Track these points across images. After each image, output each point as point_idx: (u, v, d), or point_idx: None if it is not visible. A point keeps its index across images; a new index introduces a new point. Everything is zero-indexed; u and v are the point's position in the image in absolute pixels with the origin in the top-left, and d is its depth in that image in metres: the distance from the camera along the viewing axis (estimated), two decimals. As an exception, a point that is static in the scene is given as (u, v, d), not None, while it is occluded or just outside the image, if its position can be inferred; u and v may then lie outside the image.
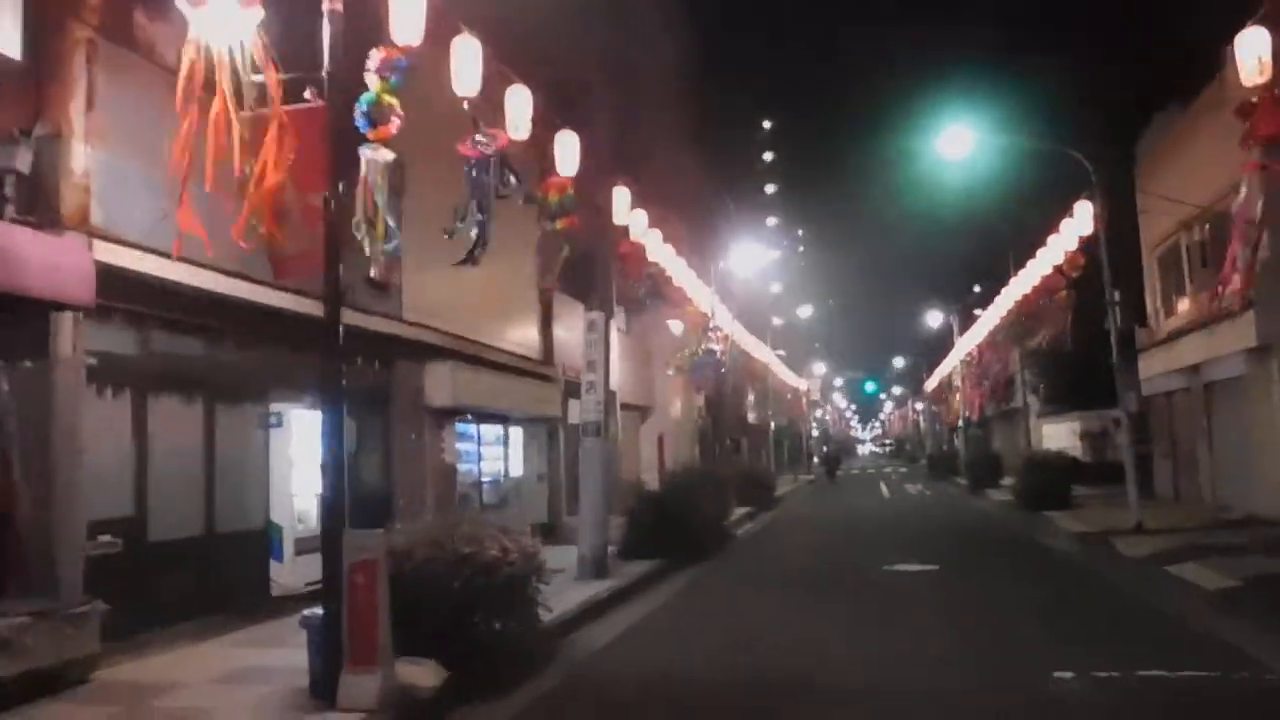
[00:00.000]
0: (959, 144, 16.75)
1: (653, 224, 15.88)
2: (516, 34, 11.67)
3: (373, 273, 11.98)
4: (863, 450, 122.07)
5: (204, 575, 8.95)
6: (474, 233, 9.12)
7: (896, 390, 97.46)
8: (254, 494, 9.76)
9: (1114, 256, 16.49)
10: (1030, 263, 20.12)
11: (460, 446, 14.24)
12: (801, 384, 52.58)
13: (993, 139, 18.16)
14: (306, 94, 6.77)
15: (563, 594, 10.64)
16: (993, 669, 7.15)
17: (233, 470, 9.42)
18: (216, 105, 6.27)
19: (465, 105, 8.57)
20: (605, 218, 13.06)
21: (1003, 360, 29.91)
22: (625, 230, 14.36)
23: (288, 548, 9.99)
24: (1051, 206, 18.57)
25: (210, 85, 6.22)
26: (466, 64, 8.55)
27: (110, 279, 7.61)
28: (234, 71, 6.30)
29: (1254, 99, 8.19)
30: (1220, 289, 11.82)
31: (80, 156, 7.52)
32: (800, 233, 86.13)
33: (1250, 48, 8.16)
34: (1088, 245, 16.37)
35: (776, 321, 48.55)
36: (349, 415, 11.68)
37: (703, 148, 35.78)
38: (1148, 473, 20.96)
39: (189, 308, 8.71)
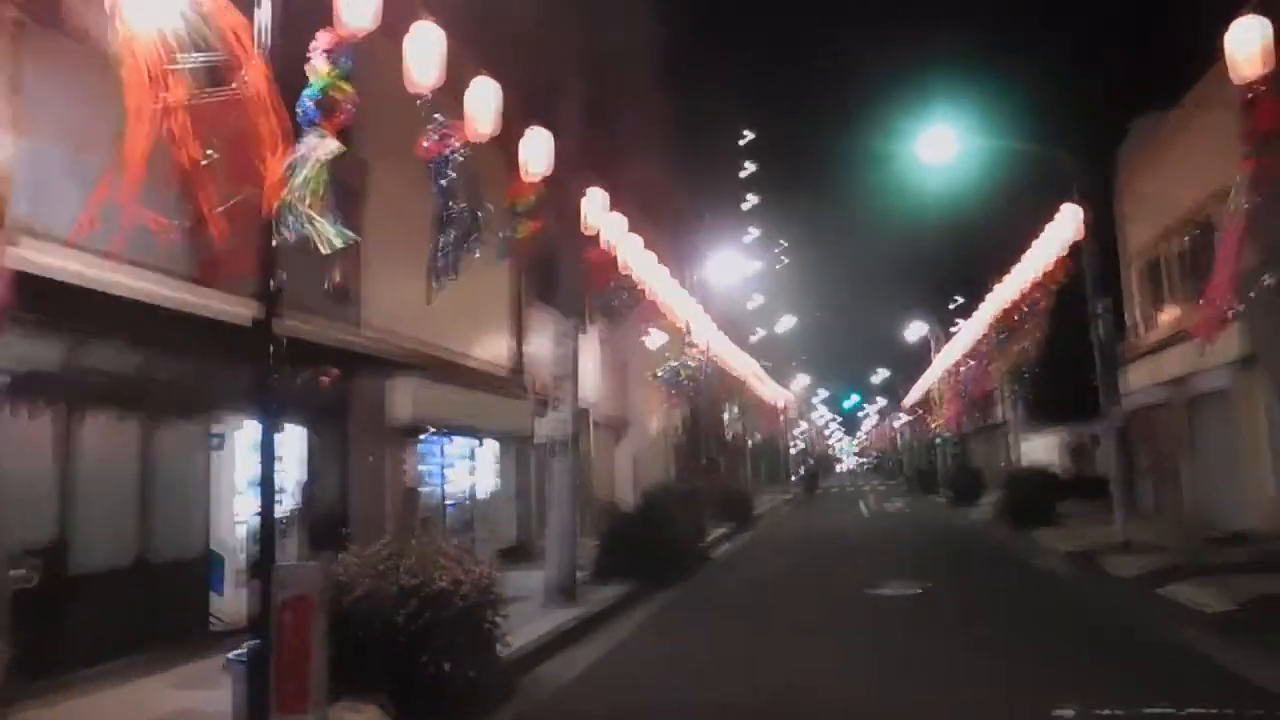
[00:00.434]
0: (940, 147, 16.34)
1: (629, 230, 15.37)
2: (483, 30, 11.17)
3: (328, 282, 11.54)
4: (844, 465, 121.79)
5: (134, 609, 8.26)
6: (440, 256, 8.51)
7: (879, 404, 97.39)
8: (193, 520, 9.10)
9: (1095, 267, 16.12)
10: (1014, 268, 19.74)
11: (424, 465, 13.61)
12: (781, 399, 52.13)
13: (974, 141, 17.77)
14: (239, 78, 6.18)
15: (527, 623, 10.04)
16: (990, 708, 6.61)
17: (169, 495, 8.77)
18: (149, 91, 5.72)
19: (423, 98, 8.03)
20: (575, 222, 12.52)
21: (983, 374, 29.53)
22: (597, 236, 13.84)
23: (229, 579, 9.29)
24: (1033, 215, 18.21)
25: (154, 72, 5.67)
26: (425, 53, 8.03)
27: (32, 282, 7.00)
28: (165, 54, 5.74)
29: (1251, 94, 7.76)
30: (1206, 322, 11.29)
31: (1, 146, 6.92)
32: (781, 244, 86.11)
33: (1245, 38, 7.73)
34: (1073, 253, 15.99)
35: (757, 334, 48.20)
36: (305, 432, 11.17)
37: (680, 157, 35.35)
38: (1129, 488, 20.57)
39: (121, 315, 8.07)
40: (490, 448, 15.92)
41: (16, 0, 7.13)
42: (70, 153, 7.29)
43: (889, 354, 65.63)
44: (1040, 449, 31.67)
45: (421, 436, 13.34)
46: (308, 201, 6.53)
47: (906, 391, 54.49)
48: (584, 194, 12.84)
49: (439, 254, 8.45)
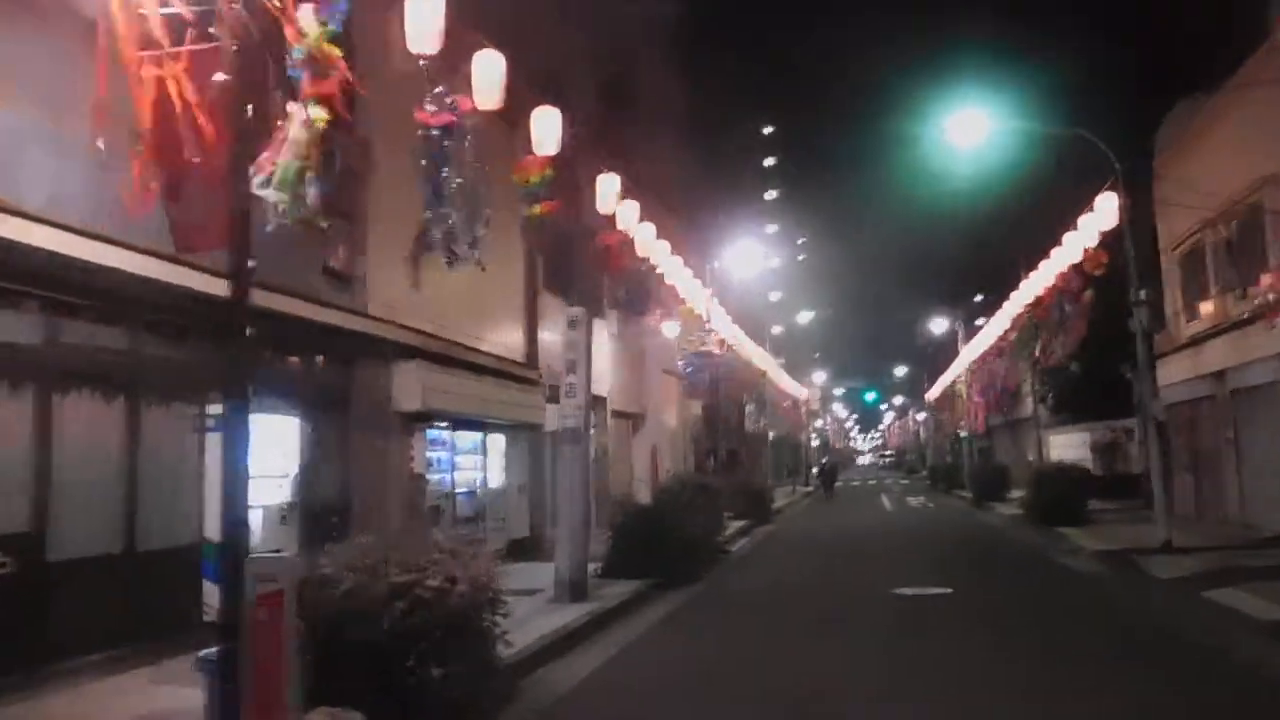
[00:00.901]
0: (969, 130, 15.65)
1: (645, 219, 14.83)
2: (497, 6, 10.67)
3: (331, 261, 11.05)
4: (862, 461, 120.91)
5: (121, 600, 7.80)
6: (436, 228, 8.00)
7: (897, 400, 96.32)
8: (185, 506, 8.62)
9: (1135, 254, 15.41)
10: (1043, 263, 19.02)
11: (431, 455, 13.12)
12: (801, 392, 51.43)
13: (1004, 125, 17.04)
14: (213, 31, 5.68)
15: (534, 620, 9.57)
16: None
17: (159, 479, 8.29)
18: (120, 49, 5.27)
19: (424, 64, 7.55)
20: (589, 206, 11.99)
21: (1010, 368, 28.74)
22: (612, 221, 13.33)
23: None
24: (1063, 206, 17.50)
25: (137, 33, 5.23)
26: (425, 17, 7.53)
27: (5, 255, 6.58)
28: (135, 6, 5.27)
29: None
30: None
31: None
32: (801, 240, 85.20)
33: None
34: (1109, 242, 15.28)
35: (776, 329, 47.51)
36: (304, 419, 10.71)
37: (701, 148, 34.77)
38: (1166, 488, 19.82)
39: (105, 292, 7.63)
40: (502, 437, 15.41)
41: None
42: (43, 121, 6.85)
43: (909, 350, 64.72)
44: (1068, 446, 30.81)
45: (429, 424, 12.87)
46: (293, 175, 6.09)
47: (926, 387, 53.64)
48: (597, 178, 12.32)
49: (437, 231, 7.94)
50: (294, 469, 9.99)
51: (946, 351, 43.10)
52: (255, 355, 5.51)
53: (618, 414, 22.25)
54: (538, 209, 9.60)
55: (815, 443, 65.67)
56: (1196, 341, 18.31)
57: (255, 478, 9.44)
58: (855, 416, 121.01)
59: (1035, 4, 44.23)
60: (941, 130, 16.28)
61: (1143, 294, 14.65)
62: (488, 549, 14.21)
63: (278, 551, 8.49)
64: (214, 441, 8.93)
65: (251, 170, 5.64)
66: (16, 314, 7.20)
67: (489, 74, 8.57)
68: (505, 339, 15.97)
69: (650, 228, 14.61)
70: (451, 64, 8.68)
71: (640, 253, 14.56)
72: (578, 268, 11.38)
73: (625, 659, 8.49)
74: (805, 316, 51.92)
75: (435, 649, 5.80)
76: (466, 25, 8.29)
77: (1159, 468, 14.81)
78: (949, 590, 11.50)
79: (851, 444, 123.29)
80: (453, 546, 6.67)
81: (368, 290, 11.62)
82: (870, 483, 56.01)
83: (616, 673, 7.96)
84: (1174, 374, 19.01)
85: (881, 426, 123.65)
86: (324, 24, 5.94)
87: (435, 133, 7.92)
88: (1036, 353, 22.17)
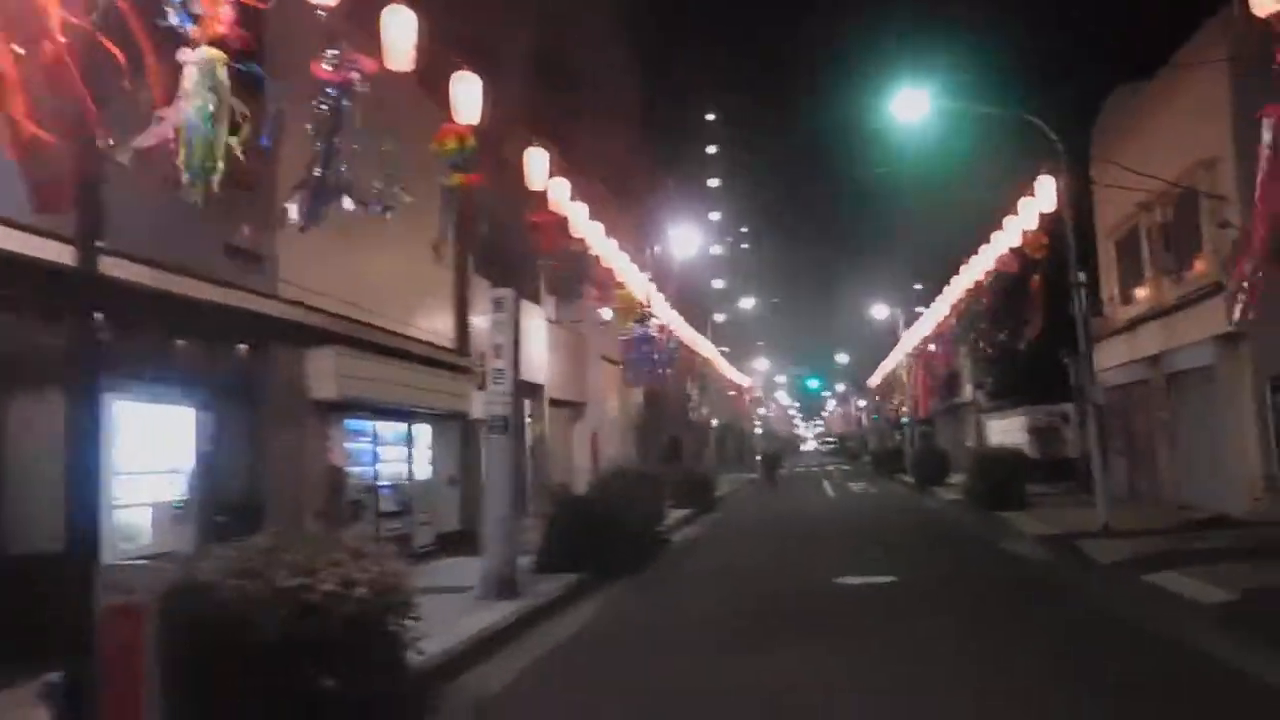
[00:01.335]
0: (913, 108, 15.37)
1: (582, 199, 14.26)
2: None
3: (237, 238, 10.29)
4: (806, 448, 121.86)
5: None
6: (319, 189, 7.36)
7: (840, 387, 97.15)
8: (61, 506, 7.85)
9: (1074, 237, 15.27)
10: (984, 247, 18.87)
11: (352, 446, 12.43)
12: (745, 380, 51.35)
13: (949, 105, 16.82)
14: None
15: (459, 620, 9.00)
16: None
17: (28, 476, 7.51)
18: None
19: (322, 12, 6.89)
20: (516, 180, 11.38)
21: (950, 354, 28.81)
22: (543, 199, 12.73)
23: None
24: (1012, 191, 17.33)
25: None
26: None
27: None
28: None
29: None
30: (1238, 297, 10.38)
31: None
32: (744, 230, 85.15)
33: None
34: (1050, 225, 15.11)
35: (719, 318, 47.31)
36: (203, 409, 9.97)
37: (644, 132, 34.27)
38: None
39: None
40: (430, 427, 14.75)
41: None
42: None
43: (852, 337, 65.08)
44: (1006, 430, 31.05)
45: (350, 414, 12.19)
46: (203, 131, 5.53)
47: (869, 374, 53.96)
48: (526, 150, 11.70)
49: (310, 191, 7.28)
50: (191, 463, 9.25)
51: (888, 338, 43.27)
52: (93, 332, 4.79)
53: (556, 402, 21.68)
54: (457, 179, 8.99)
55: (759, 430, 65.78)
56: (1132, 326, 18.35)
57: (145, 473, 8.82)
58: (799, 404, 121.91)
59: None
60: (886, 111, 15.97)
61: (1082, 276, 14.50)
62: (416, 544, 13.74)
63: (151, 558, 7.80)
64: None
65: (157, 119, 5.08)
66: None
67: (400, 33, 7.94)
68: (435, 324, 15.30)
69: (583, 207, 14.05)
70: (365, 22, 8.09)
71: (574, 233, 14.01)
72: (505, 246, 10.77)
73: (555, 659, 7.99)
74: (748, 304, 51.77)
75: (329, 659, 5.21)
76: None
77: (1098, 451, 14.70)
78: (893, 579, 11.20)
79: (796, 431, 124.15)
80: (355, 546, 6.08)
81: (279, 270, 10.88)
82: (814, 469, 56.17)
83: (544, 675, 7.45)
84: (1110, 358, 19.04)
85: (825, 413, 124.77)
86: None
87: (332, 91, 7.30)
88: (977, 340, 22.12)
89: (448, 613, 9.42)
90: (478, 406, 10.77)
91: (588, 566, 11.89)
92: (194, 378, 9.61)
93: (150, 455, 8.90)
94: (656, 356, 20.63)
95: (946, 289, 24.81)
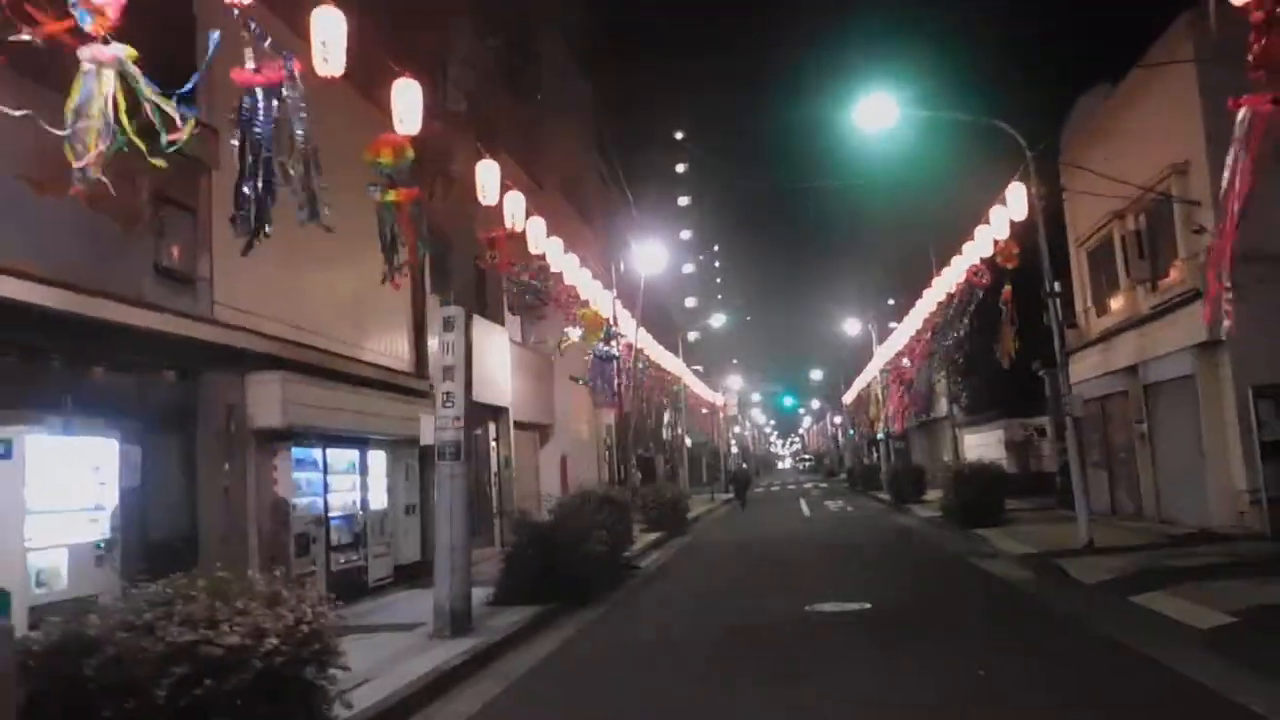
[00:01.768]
0: (878, 116, 14.97)
1: (544, 215, 13.78)
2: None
3: (165, 259, 9.65)
4: (782, 465, 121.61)
5: None
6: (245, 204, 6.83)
7: (815, 404, 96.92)
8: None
9: (1047, 245, 14.93)
10: (955, 259, 18.54)
11: (299, 475, 11.75)
12: (718, 399, 50.91)
13: (915, 112, 16.49)
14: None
15: (405, 662, 8.39)
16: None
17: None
18: None
19: (240, 10, 6.36)
20: (468, 195, 10.84)
21: (924, 367, 28.49)
22: (499, 215, 12.21)
23: (19, 620, 7.39)
24: (978, 202, 17.02)
25: None
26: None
27: None
28: None
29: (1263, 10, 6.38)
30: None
31: None
32: (715, 248, 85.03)
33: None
34: (1021, 234, 14.77)
35: (692, 336, 46.89)
36: (130, 441, 9.29)
37: (611, 150, 33.87)
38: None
39: None
40: (386, 452, 14.09)
41: None
42: None
43: (827, 354, 64.80)
44: (983, 444, 30.75)
45: (296, 442, 11.52)
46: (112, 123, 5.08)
47: (844, 391, 53.66)
48: (478, 164, 11.18)
49: (246, 207, 6.77)
50: (115, 500, 8.55)
51: (862, 354, 43.00)
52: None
53: (522, 425, 21.04)
54: (393, 195, 8.43)
55: (734, 449, 65.25)
56: (1107, 336, 18.02)
57: (61, 512, 8.12)
58: (774, 422, 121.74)
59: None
60: (851, 119, 15.57)
61: (1057, 285, 14.13)
62: (371, 577, 13.05)
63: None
64: (4, 470, 7.61)
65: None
66: None
67: (329, 35, 7.40)
68: (390, 346, 14.67)
69: (540, 223, 13.54)
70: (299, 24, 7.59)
71: (532, 249, 13.49)
72: (455, 260, 10.20)
73: (504, 704, 7.36)
74: (719, 320, 51.38)
75: (234, 723, 4.60)
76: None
77: (1078, 465, 14.28)
78: (867, 605, 10.65)
79: (771, 449, 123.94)
80: (271, 590, 5.47)
81: (214, 292, 10.24)
82: (790, 487, 55.65)
83: (491, 724, 6.83)
84: (1085, 370, 18.70)
85: (800, 430, 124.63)
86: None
87: (259, 97, 6.77)
88: (951, 354, 21.80)
89: (394, 653, 8.80)
90: (427, 432, 10.12)
91: (549, 598, 11.31)
92: (118, 408, 8.94)
93: (68, 493, 8.21)
94: (622, 376, 20.07)
95: (919, 302, 24.51)
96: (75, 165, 5.26)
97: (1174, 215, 14.85)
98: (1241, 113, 6.77)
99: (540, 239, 13.68)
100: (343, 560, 12.63)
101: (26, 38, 4.82)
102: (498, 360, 19.24)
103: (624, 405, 22.25)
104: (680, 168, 64.94)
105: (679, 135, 64.03)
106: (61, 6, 5.12)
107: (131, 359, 9.27)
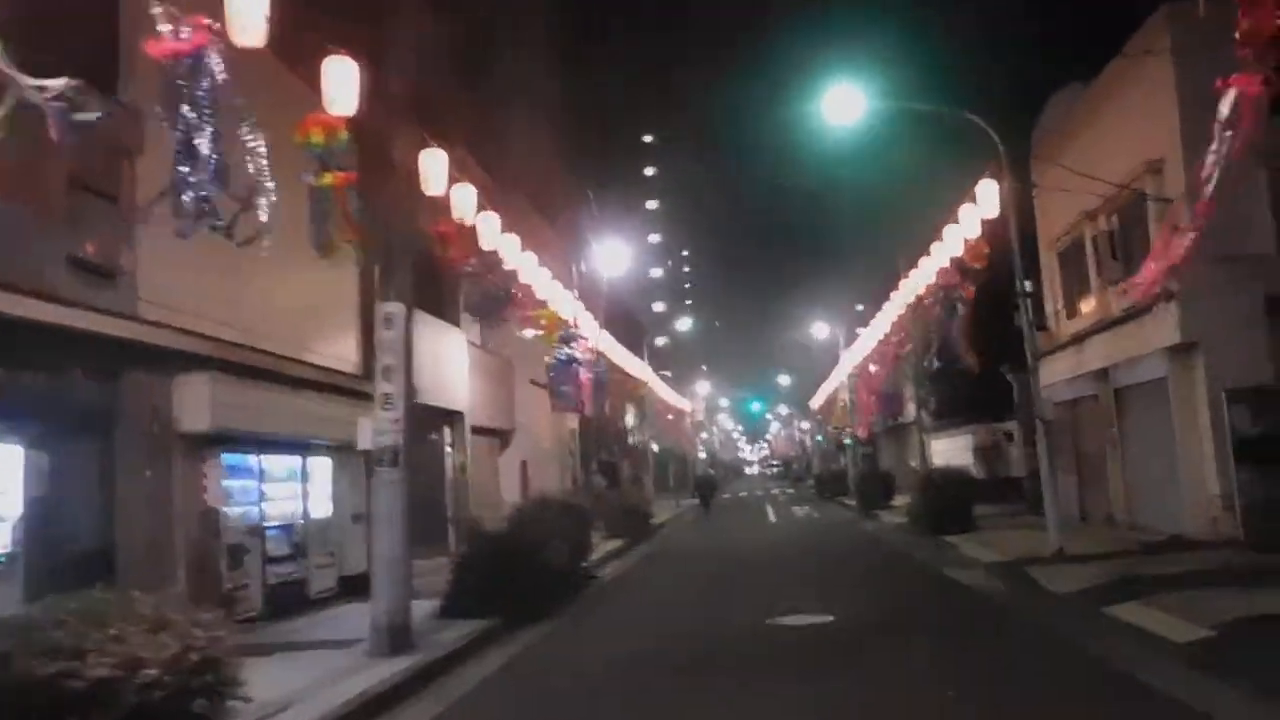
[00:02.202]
0: (846, 108, 14.55)
1: (498, 211, 13.17)
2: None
3: (81, 251, 8.95)
4: (750, 471, 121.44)
5: None
6: (185, 190, 6.35)
7: (783, 410, 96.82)
8: None
9: (1019, 245, 14.55)
10: (923, 260, 18.17)
11: (232, 483, 11.07)
12: (685, 404, 50.44)
13: (885, 104, 16.09)
14: None
15: (335, 684, 7.75)
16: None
17: None
18: None
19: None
20: (410, 185, 10.24)
21: (892, 371, 28.14)
22: (446, 207, 11.61)
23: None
24: (947, 201, 16.65)
25: None
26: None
27: None
28: None
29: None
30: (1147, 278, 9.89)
31: None
32: (685, 253, 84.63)
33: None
34: (991, 234, 14.39)
35: (660, 341, 46.39)
36: (38, 446, 8.59)
37: (573, 147, 33.33)
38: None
39: None
40: (331, 459, 13.42)
41: None
42: None
43: (794, 359, 64.64)
44: (950, 450, 30.50)
45: (227, 448, 10.84)
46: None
47: (811, 396, 53.41)
48: (421, 152, 10.58)
49: (185, 194, 6.20)
50: (16, 510, 7.86)
51: (830, 359, 42.70)
52: None
53: (480, 430, 20.39)
54: (328, 178, 7.83)
55: (702, 454, 64.81)
56: (1078, 339, 17.71)
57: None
58: (742, 427, 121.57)
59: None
60: (821, 114, 15.12)
61: (1028, 285, 13.75)
62: (312, 589, 12.36)
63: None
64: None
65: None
66: None
67: (248, 3, 6.79)
68: (335, 347, 14.00)
69: (494, 218, 12.95)
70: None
71: (484, 245, 12.89)
72: (394, 254, 9.59)
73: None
74: (688, 327, 50.96)
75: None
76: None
77: (1048, 471, 13.89)
78: (830, 619, 10.15)
79: (739, 454, 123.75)
80: (159, 613, 4.84)
81: (138, 287, 9.55)
82: (758, 493, 55.27)
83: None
84: (1055, 373, 18.38)
85: (768, 436, 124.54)
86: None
87: (180, 71, 6.20)
88: (918, 357, 21.44)
89: (323, 674, 8.14)
90: (365, 436, 9.50)
91: (500, 610, 10.71)
92: (26, 411, 8.24)
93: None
94: (582, 379, 19.48)
95: (886, 305, 24.16)
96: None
97: (1147, 215, 14.53)
98: (1229, 95, 6.37)
99: (494, 235, 13.09)
100: (281, 572, 11.94)
101: None
102: (454, 363, 18.60)
103: (586, 409, 21.63)
104: (649, 170, 64.49)
105: (647, 138, 63.61)
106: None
107: (43, 358, 8.56)
